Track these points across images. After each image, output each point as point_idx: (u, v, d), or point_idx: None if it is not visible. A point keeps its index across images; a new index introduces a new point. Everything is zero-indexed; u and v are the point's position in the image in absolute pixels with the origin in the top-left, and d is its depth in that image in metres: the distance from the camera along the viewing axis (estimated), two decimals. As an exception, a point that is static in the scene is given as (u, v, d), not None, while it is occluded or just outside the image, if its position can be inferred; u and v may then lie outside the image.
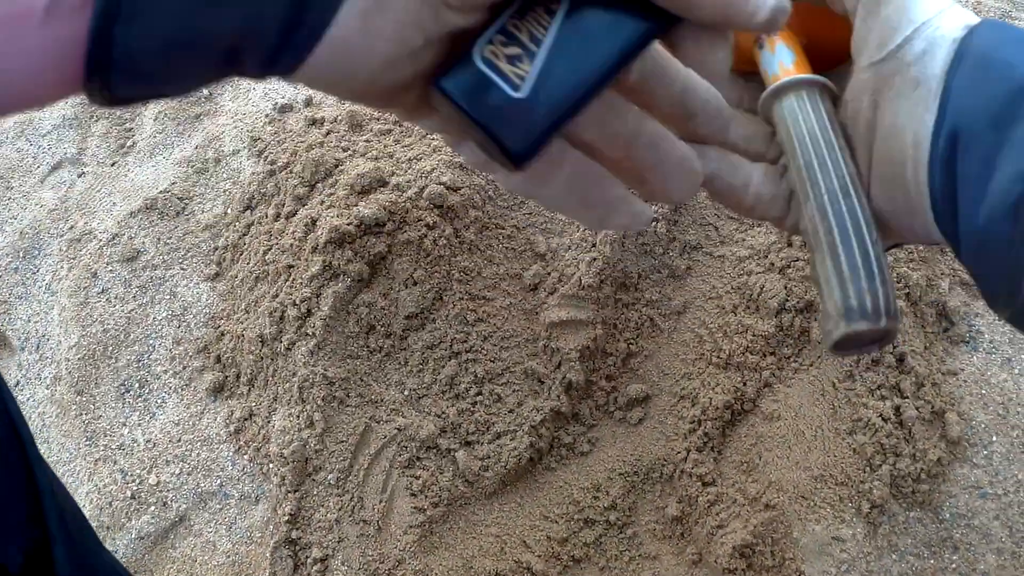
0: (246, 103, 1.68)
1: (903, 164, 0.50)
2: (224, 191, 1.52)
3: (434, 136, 1.30)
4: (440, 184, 1.21)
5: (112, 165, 1.66)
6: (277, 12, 0.38)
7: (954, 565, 1.04)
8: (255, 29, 0.38)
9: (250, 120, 1.63)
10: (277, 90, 1.68)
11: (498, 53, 0.44)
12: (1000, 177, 0.43)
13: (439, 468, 1.12)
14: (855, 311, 0.50)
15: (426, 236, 1.18)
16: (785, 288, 1.15)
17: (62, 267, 1.51)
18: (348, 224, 1.17)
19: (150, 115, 1.72)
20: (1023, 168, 0.42)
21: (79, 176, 1.67)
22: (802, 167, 0.54)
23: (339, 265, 1.17)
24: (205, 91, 1.74)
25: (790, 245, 1.18)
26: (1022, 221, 0.41)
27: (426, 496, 1.10)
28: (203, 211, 1.50)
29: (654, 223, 1.22)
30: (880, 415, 1.08)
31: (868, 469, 1.06)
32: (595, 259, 1.18)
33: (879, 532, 1.05)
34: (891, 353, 1.12)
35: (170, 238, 1.47)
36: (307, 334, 1.17)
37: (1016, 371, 1.16)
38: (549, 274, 1.21)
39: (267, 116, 1.62)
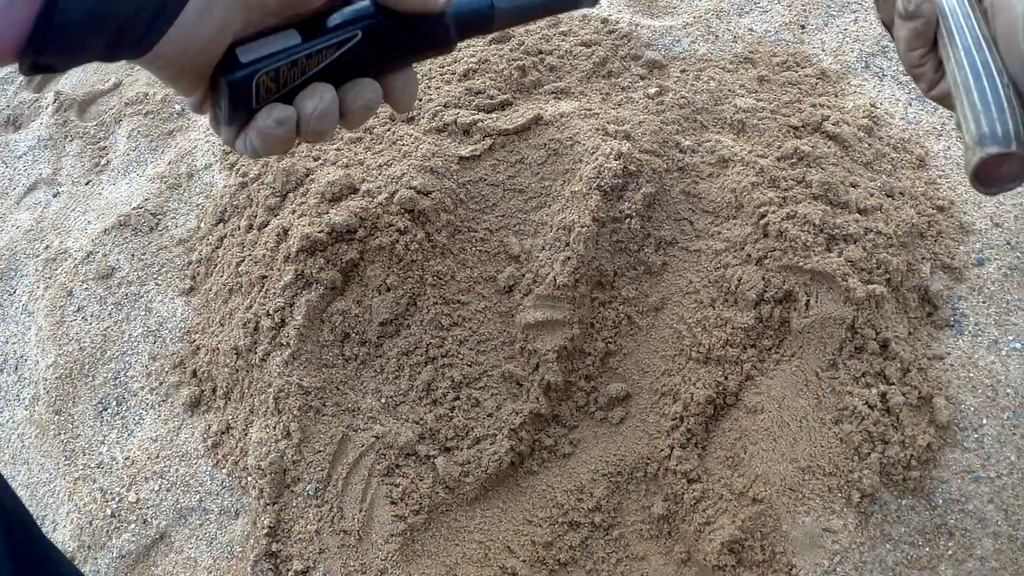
0: (218, 116, 1.66)
1: (1017, 35, 0.58)
2: (197, 205, 1.51)
3: (404, 142, 1.29)
4: (411, 189, 1.19)
5: (87, 184, 1.65)
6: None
7: (950, 551, 1.02)
8: (139, 12, 0.54)
9: (222, 132, 1.62)
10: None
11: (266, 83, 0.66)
12: None
13: (419, 475, 1.10)
14: (987, 137, 0.58)
15: (398, 241, 1.16)
16: (763, 279, 1.14)
17: (38, 287, 1.50)
18: (319, 232, 1.16)
19: (123, 133, 1.71)
20: None
21: (54, 196, 1.66)
22: (943, 34, 0.65)
23: (312, 274, 1.16)
24: (178, 107, 1.74)
25: (766, 236, 1.17)
26: None
27: (406, 504, 1.08)
28: (176, 226, 1.49)
29: (628, 219, 1.20)
30: (866, 403, 1.07)
31: (856, 458, 1.05)
32: (569, 258, 1.16)
33: (871, 522, 1.03)
34: (874, 340, 1.10)
35: (144, 254, 1.46)
36: (281, 344, 1.15)
37: (1003, 352, 1.15)
38: (523, 275, 1.20)
39: (239, 128, 1.60)
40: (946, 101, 0.67)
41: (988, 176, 0.59)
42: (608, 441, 1.15)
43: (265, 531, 1.11)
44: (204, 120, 1.68)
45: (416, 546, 1.08)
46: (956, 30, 0.63)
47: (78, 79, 1.96)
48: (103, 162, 1.68)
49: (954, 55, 0.63)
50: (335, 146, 1.35)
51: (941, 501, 1.05)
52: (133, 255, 1.46)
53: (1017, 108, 0.58)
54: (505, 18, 0.79)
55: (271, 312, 1.16)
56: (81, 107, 1.83)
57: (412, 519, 1.07)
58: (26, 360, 1.42)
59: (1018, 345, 1.15)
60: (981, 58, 0.60)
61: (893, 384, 1.09)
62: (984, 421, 1.10)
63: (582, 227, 1.17)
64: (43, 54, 0.53)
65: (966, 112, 0.60)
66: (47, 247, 1.55)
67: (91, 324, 1.39)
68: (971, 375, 1.13)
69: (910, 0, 0.68)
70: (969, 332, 1.18)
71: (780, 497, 1.04)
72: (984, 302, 1.20)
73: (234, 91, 0.65)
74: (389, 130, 1.36)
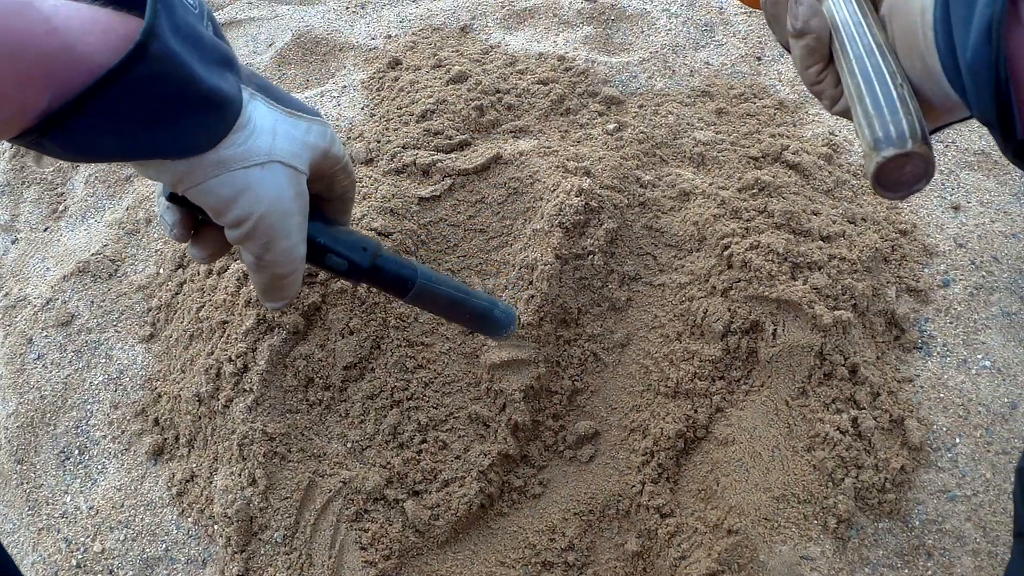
0: (177, 160, 1.65)
1: (915, 33, 0.56)
2: (156, 251, 1.49)
3: (363, 184, 1.28)
4: (371, 231, 1.18)
5: (45, 230, 1.63)
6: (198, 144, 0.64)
7: (930, 572, 1.02)
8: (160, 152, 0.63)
9: (181, 176, 1.60)
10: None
11: None
12: (979, 7, 0.47)
13: (388, 519, 1.08)
14: (881, 141, 0.57)
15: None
16: (729, 310, 1.14)
17: (-2, 336, 1.47)
18: (280, 276, 1.14)
19: (80, 179, 1.69)
20: None
21: (12, 243, 1.63)
22: (837, 47, 0.64)
23: (273, 318, 1.14)
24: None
25: (730, 267, 1.17)
26: (995, 41, 0.45)
27: (376, 549, 1.06)
28: (136, 272, 1.47)
29: (590, 256, 1.20)
30: (838, 428, 1.07)
31: (831, 484, 1.05)
32: (533, 296, 1.15)
33: (848, 547, 1.03)
34: (843, 365, 1.10)
35: (103, 301, 1.44)
36: (244, 390, 1.13)
37: (973, 371, 1.16)
38: (487, 315, 1.19)
39: (197, 172, 1.59)
40: (850, 115, 0.66)
41: (891, 180, 0.58)
42: (578, 479, 1.14)
43: (233, 582, 1.08)
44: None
45: (387, 592, 1.06)
46: (848, 40, 0.62)
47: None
48: (61, 208, 1.66)
49: (847, 65, 0.62)
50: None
51: (918, 522, 1.05)
52: (93, 302, 1.44)
53: (913, 107, 0.57)
54: (420, 298, 0.86)
55: (233, 357, 1.14)
56: (38, 153, 1.81)
57: (383, 564, 1.05)
58: (-14, 412, 1.39)
59: (987, 363, 1.16)
60: (872, 63, 0.60)
61: (864, 408, 1.09)
62: (957, 440, 1.10)
63: (545, 265, 1.16)
64: (45, 143, 0.56)
65: (860, 120, 0.59)
66: (6, 294, 1.52)
67: (51, 372, 1.36)
68: (942, 395, 1.14)
69: (797, 18, 0.67)
70: (938, 353, 1.18)
71: (755, 527, 1.03)
72: (951, 322, 1.21)
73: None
74: (349, 172, 1.35)
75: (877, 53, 0.60)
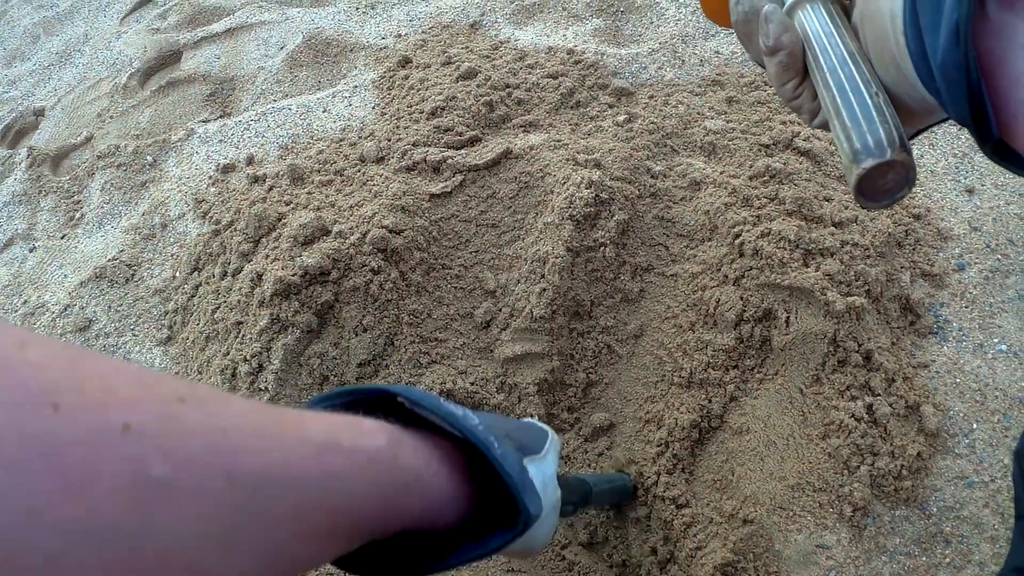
0: (190, 167, 1.67)
1: (887, 39, 0.55)
2: (172, 255, 1.50)
3: (374, 182, 1.28)
4: (382, 228, 1.19)
5: (62, 238, 1.64)
6: None
7: (948, 559, 1.01)
8: None
9: (194, 183, 1.62)
10: (219, 151, 1.68)
11: None
12: (946, 11, 0.46)
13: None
14: (860, 152, 0.55)
15: (372, 281, 1.15)
16: (741, 299, 1.13)
17: (17, 345, 1.48)
18: (292, 275, 1.15)
19: (96, 186, 1.70)
20: None
21: (31, 251, 1.65)
22: (811, 60, 0.62)
23: (287, 317, 1.15)
24: (150, 158, 1.74)
25: (742, 255, 1.16)
26: (963, 42, 0.45)
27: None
28: (152, 276, 1.48)
29: (602, 248, 1.20)
30: (852, 415, 1.06)
31: (846, 472, 1.04)
32: (545, 289, 1.15)
33: (865, 535, 1.02)
34: (857, 352, 1.09)
35: (121, 305, 1.45)
36: (260, 389, 1.14)
37: (989, 356, 1.14)
38: (500, 310, 1.19)
39: (210, 178, 1.61)
40: (829, 127, 0.64)
41: (874, 191, 0.56)
42: (594, 471, 1.14)
43: None
44: (176, 170, 1.69)
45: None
46: (821, 52, 0.61)
47: (50, 134, 1.96)
48: (78, 215, 1.68)
49: (821, 78, 0.61)
50: (306, 190, 1.35)
51: (935, 509, 1.04)
52: (110, 307, 1.45)
53: (889, 115, 0.56)
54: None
55: (248, 357, 1.15)
56: (54, 162, 1.83)
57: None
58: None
59: (1004, 347, 1.14)
60: (846, 73, 0.59)
61: (879, 395, 1.08)
62: (974, 426, 1.09)
63: (556, 258, 1.16)
64: None
65: (839, 133, 0.58)
66: (25, 301, 1.54)
67: (71, 380, 1.37)
68: (958, 381, 1.13)
69: (768, 35, 0.65)
70: (953, 338, 1.17)
71: (771, 516, 1.03)
72: (967, 307, 1.19)
73: None
74: (359, 171, 1.35)
75: (850, 62, 0.59)
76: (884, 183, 0.56)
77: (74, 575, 0.29)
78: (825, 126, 0.65)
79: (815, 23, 0.63)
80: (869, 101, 0.57)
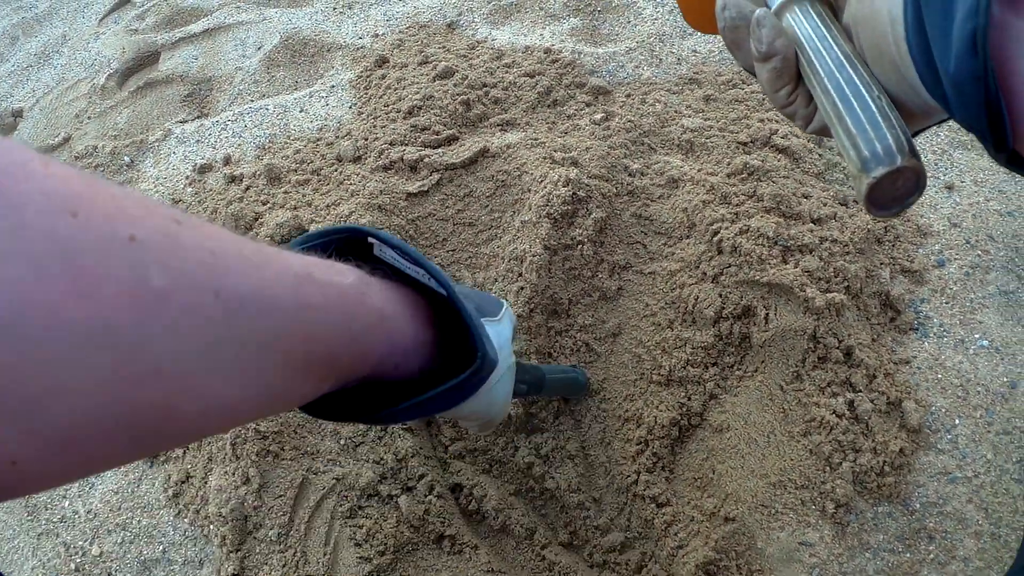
0: (167, 167, 1.66)
1: (885, 42, 0.53)
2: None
3: (351, 181, 1.28)
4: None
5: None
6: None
7: (932, 555, 1.01)
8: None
9: (171, 183, 1.61)
10: (196, 151, 1.67)
11: None
12: (958, 19, 0.45)
13: (382, 515, 1.07)
14: (870, 160, 0.53)
15: (349, 280, 1.14)
16: (720, 296, 1.13)
17: None
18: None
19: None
20: (972, 4, 0.44)
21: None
22: (804, 65, 0.60)
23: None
24: (127, 159, 1.72)
25: (720, 252, 1.16)
26: (981, 53, 0.43)
27: (371, 545, 1.05)
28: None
29: (579, 246, 1.19)
30: (834, 412, 1.05)
31: (828, 468, 1.04)
32: (522, 288, 1.15)
33: (848, 531, 1.02)
34: (837, 348, 1.09)
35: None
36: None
37: (971, 351, 1.14)
38: (478, 308, 1.18)
39: (187, 178, 1.60)
40: (826, 132, 0.63)
41: (884, 199, 0.54)
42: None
43: (230, 581, 1.08)
44: (154, 171, 1.67)
45: (384, 589, 1.05)
46: (815, 56, 0.59)
47: (29, 134, 1.94)
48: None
49: (818, 83, 0.59)
50: (283, 189, 1.34)
51: (918, 505, 1.04)
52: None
53: (894, 119, 0.54)
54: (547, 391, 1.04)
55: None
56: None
57: (378, 560, 1.04)
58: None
59: (985, 343, 1.14)
60: (845, 76, 0.57)
61: (860, 391, 1.07)
62: (957, 421, 1.09)
63: (533, 256, 1.15)
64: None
65: (843, 140, 0.56)
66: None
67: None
68: (939, 376, 1.12)
69: (761, 41, 0.63)
70: (934, 334, 1.17)
71: (753, 514, 1.02)
72: (947, 303, 1.19)
73: None
74: (336, 170, 1.35)
75: (848, 65, 0.57)
76: (895, 190, 0.54)
77: (79, 374, 0.32)
78: (821, 132, 0.64)
79: (805, 26, 0.61)
80: (872, 105, 0.55)
